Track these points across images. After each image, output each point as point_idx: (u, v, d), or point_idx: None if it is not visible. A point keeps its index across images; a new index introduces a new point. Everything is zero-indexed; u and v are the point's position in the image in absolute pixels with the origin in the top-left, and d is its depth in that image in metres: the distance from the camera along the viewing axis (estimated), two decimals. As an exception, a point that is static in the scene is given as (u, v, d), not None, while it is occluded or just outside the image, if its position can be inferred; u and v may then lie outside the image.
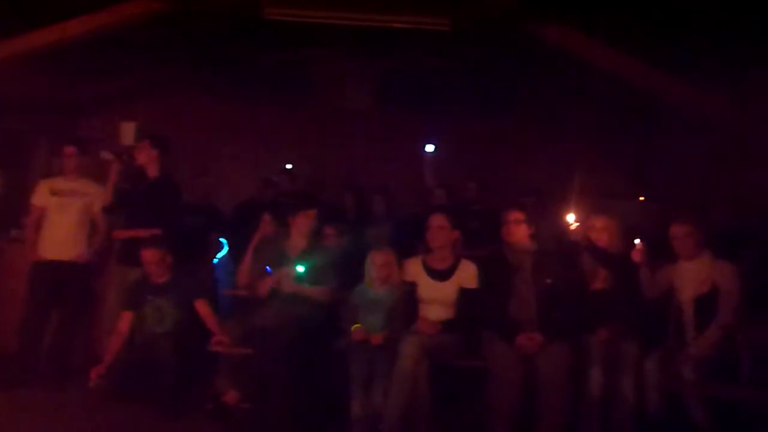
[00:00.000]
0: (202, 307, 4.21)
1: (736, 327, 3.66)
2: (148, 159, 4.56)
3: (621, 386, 3.69)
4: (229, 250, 5.59)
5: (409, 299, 4.00)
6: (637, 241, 3.85)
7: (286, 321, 3.90)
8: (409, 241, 4.78)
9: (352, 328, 3.89)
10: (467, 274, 4.00)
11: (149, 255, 4.15)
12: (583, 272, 3.96)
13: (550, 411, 3.55)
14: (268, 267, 4.21)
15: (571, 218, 3.94)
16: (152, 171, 4.58)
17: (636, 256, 3.84)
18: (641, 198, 6.16)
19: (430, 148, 5.78)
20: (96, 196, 4.69)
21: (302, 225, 4.25)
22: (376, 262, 4.05)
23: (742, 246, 4.48)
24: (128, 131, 4.62)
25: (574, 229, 3.93)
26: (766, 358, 3.60)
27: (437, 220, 4.03)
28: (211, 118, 6.95)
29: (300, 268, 4.06)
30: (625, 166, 6.88)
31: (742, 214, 5.29)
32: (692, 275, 3.84)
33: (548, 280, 3.82)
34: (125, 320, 4.18)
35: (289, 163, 6.56)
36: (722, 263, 3.82)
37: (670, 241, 3.91)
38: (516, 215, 3.93)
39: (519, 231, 3.91)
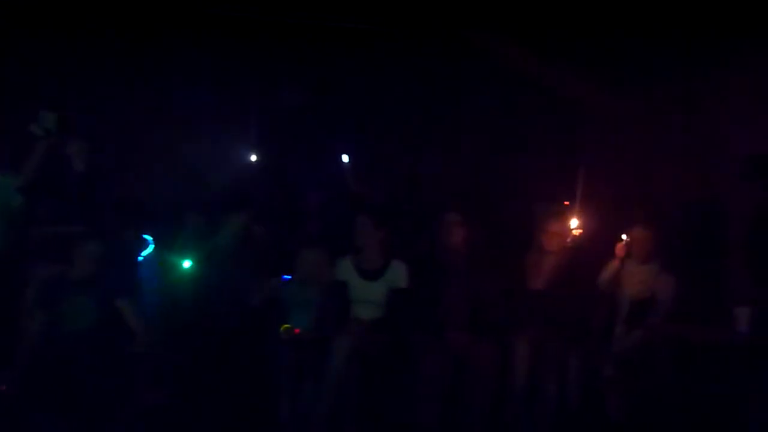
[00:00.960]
0: (125, 306, 4.07)
1: (659, 330, 3.85)
2: (77, 151, 4.39)
3: (545, 383, 3.81)
4: (155, 248, 5.42)
5: (339, 299, 4.00)
6: (624, 236, 4.03)
7: (211, 321, 3.82)
8: (341, 240, 4.77)
9: (282, 328, 3.85)
10: (398, 274, 4.02)
11: (77, 251, 3.98)
12: (519, 271, 4.06)
13: (475, 407, 3.63)
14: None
15: (574, 223, 4.12)
16: (80, 164, 4.41)
17: (620, 250, 4.01)
18: (566, 202, 6.35)
19: (345, 158, 5.80)
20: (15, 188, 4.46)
21: (233, 223, 4.16)
22: (307, 261, 4.02)
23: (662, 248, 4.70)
24: (50, 122, 4.41)
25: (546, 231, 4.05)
26: (683, 355, 3.80)
27: (363, 220, 4.05)
28: (138, 112, 6.72)
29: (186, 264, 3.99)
30: (552, 170, 7.07)
31: (661, 218, 5.56)
32: (638, 278, 4.03)
33: (481, 280, 3.90)
34: (42, 318, 3.98)
35: (221, 159, 6.42)
36: (666, 275, 4.02)
37: (629, 242, 4.07)
38: (452, 216, 4.00)
39: (455, 232, 3.98)
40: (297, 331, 3.82)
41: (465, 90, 6.87)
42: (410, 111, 7.07)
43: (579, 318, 4.02)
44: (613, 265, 4.05)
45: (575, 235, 4.16)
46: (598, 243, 4.18)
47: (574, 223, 4.21)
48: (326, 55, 6.25)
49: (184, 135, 6.87)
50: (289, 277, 4.08)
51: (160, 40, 5.99)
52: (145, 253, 5.51)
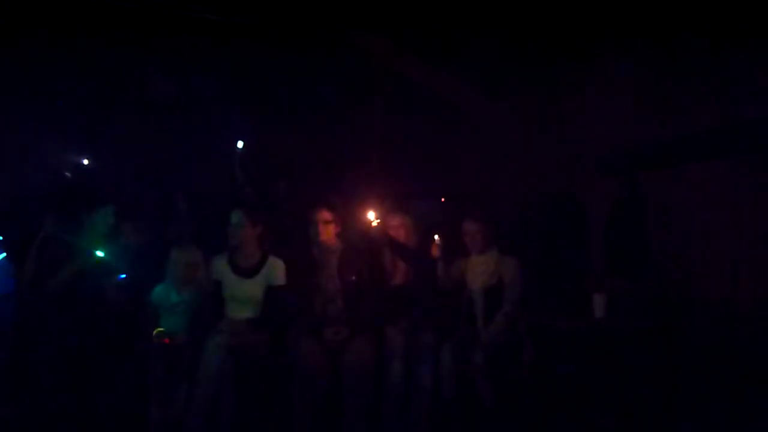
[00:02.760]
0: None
1: (519, 315, 4.04)
2: None
3: (420, 374, 3.90)
4: (6, 250, 4.99)
5: (214, 298, 3.90)
6: (435, 237, 4.06)
7: (70, 323, 3.57)
8: (215, 239, 4.64)
9: (154, 332, 3.68)
10: (275, 272, 3.98)
11: None
12: (384, 268, 4.12)
13: (354, 401, 3.65)
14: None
15: (371, 216, 4.05)
16: None
17: (434, 251, 4.05)
18: (443, 199, 6.55)
19: (240, 144, 5.67)
20: None
21: (98, 222, 3.92)
22: (180, 262, 3.88)
23: (524, 241, 4.96)
24: None
25: (375, 227, 4.06)
26: (546, 341, 4.02)
27: (237, 217, 3.97)
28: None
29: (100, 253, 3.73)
30: (424, 168, 7.28)
31: (524, 212, 5.88)
32: (482, 268, 4.13)
33: (353, 277, 3.93)
34: None
35: (82, 156, 6.05)
36: (508, 258, 4.15)
37: (462, 236, 4.19)
38: (324, 215, 4.00)
39: (327, 230, 3.99)
40: (167, 341, 3.66)
41: (346, 90, 6.92)
42: (285, 108, 7.03)
43: (447, 310, 4.15)
44: (440, 264, 4.10)
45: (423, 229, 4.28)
46: (456, 236, 4.29)
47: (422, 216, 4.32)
48: (199, 49, 6.07)
49: (41, 130, 6.43)
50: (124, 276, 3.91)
51: (23, 32, 5.54)
52: (-1, 256, 5.08)
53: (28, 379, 3.61)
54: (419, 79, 5.82)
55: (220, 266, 3.98)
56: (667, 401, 3.98)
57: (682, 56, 4.97)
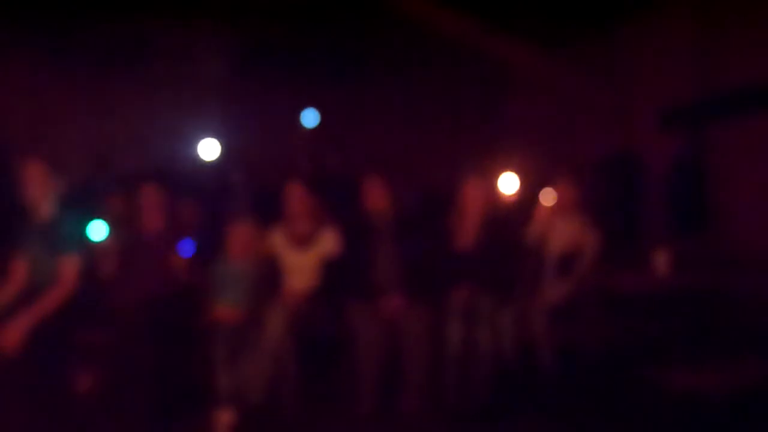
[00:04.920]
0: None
1: (586, 281, 3.96)
2: None
3: (479, 339, 3.89)
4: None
5: (272, 270, 3.96)
6: (550, 187, 4.10)
7: (143, 300, 3.70)
8: (271, 211, 4.71)
9: (216, 307, 3.78)
10: (329, 242, 4.00)
11: None
12: (447, 233, 4.08)
13: (413, 369, 3.68)
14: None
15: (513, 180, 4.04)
16: None
17: (548, 201, 4.06)
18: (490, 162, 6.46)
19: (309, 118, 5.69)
20: None
21: (148, 202, 3.90)
22: (236, 236, 3.95)
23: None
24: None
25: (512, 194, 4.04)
26: (608, 301, 3.94)
27: (295, 188, 4.00)
28: (48, 91, 6.40)
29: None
30: (479, 135, 7.18)
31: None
32: (565, 233, 4.08)
33: (410, 244, 3.91)
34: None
35: (137, 137, 6.23)
36: (592, 228, 4.09)
37: (555, 197, 4.14)
38: (377, 182, 3.98)
39: (381, 197, 3.96)
40: (231, 316, 3.75)
41: (392, 57, 6.85)
42: (339, 80, 7.01)
43: (508, 275, 4.09)
44: (541, 216, 4.09)
45: (499, 194, 4.21)
46: (522, 201, 4.24)
47: (498, 182, 4.25)
48: (248, 25, 6.10)
49: (101, 113, 6.62)
50: None
51: (74, 12, 5.68)
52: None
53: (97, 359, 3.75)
54: (470, 39, 5.67)
55: (277, 238, 4.03)
56: (729, 359, 3.86)
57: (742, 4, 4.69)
